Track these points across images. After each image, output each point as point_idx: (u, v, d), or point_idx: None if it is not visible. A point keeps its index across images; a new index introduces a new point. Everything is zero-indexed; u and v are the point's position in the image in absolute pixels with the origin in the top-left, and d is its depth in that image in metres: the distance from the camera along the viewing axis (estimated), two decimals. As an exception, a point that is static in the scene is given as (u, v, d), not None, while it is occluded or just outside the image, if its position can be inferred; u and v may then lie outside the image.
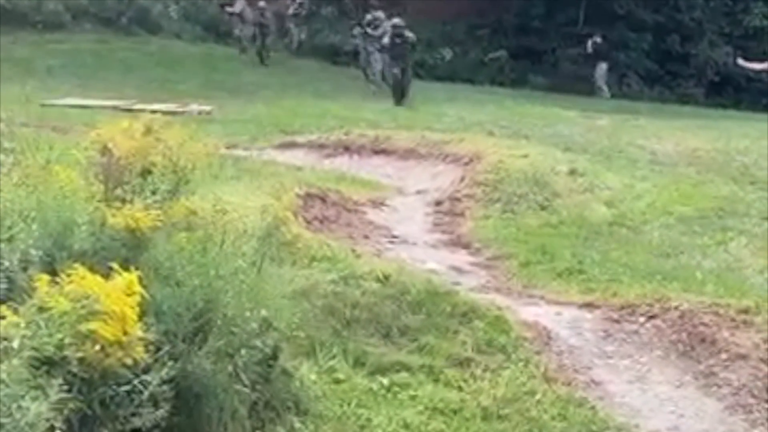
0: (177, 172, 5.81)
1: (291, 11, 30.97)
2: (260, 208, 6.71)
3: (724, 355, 6.94)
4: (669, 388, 6.81)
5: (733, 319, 7.27)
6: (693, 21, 31.40)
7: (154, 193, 5.53)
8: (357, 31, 26.23)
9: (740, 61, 21.40)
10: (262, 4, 28.36)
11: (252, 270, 5.46)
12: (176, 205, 5.64)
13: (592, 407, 6.45)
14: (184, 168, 5.87)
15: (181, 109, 17.45)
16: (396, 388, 6.30)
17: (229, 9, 29.35)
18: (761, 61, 20.50)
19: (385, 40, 22.30)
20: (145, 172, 5.75)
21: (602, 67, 28.75)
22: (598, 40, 28.21)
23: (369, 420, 5.89)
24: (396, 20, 22.01)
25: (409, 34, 21.53)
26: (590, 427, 6.23)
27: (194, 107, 18.51)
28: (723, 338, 7.09)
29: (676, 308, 7.54)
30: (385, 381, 6.33)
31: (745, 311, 7.40)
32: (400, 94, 21.20)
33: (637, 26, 30.84)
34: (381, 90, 23.50)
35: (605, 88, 28.53)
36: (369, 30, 24.57)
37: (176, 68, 25.18)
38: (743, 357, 6.89)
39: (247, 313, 5.17)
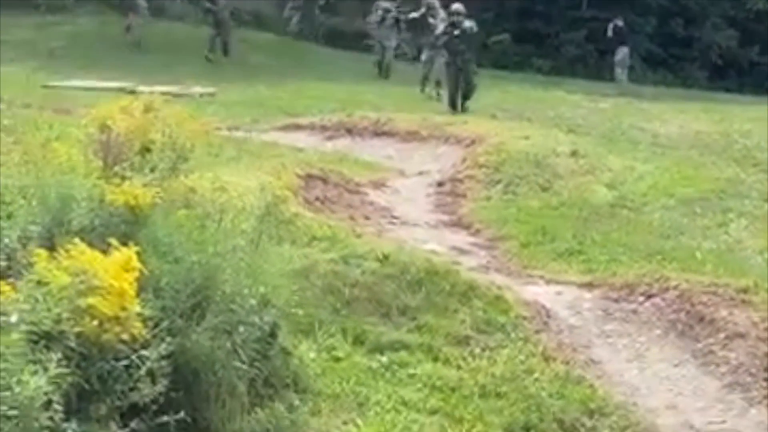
0: (176, 150, 5.83)
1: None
2: (259, 187, 6.72)
3: (722, 334, 6.96)
4: (667, 366, 6.84)
5: (731, 299, 7.30)
6: (697, 4, 31.29)
7: (153, 170, 5.55)
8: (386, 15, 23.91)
9: None
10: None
11: (250, 248, 5.48)
12: (175, 182, 5.66)
13: (591, 385, 6.47)
14: (183, 146, 5.89)
15: (183, 91, 17.43)
16: (395, 367, 6.32)
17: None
18: None
19: (439, 29, 18.57)
20: (144, 150, 5.77)
21: (623, 50, 28.26)
22: (620, 23, 27.81)
23: (367, 398, 5.91)
24: (456, 5, 17.89)
25: (468, 23, 17.66)
26: (588, 405, 6.25)
27: (197, 89, 18.49)
28: (721, 317, 7.11)
29: (675, 288, 7.56)
30: (384, 359, 6.35)
31: (744, 291, 7.42)
32: (458, 99, 17.20)
33: (641, 10, 30.73)
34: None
35: (624, 73, 27.92)
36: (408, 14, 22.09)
37: (180, 51, 25.13)
38: (741, 336, 6.91)
39: (246, 290, 5.19)
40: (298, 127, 15.37)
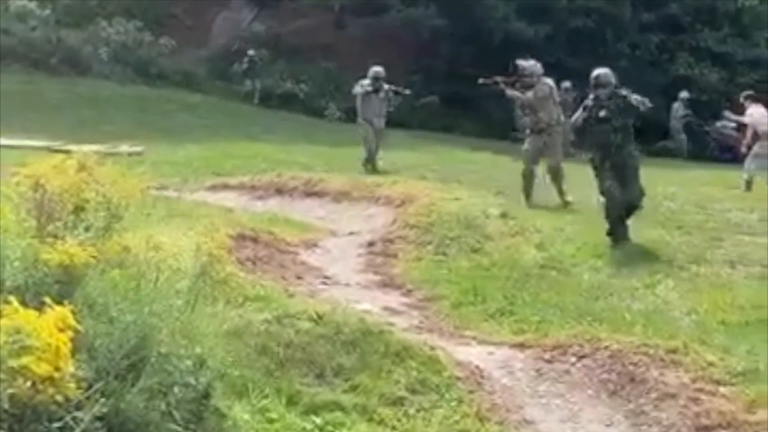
0: (110, 209, 5.78)
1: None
2: (194, 247, 6.67)
3: (653, 395, 7.04)
4: (600, 427, 6.89)
5: (662, 359, 7.39)
6: (619, 70, 31.92)
7: (87, 229, 5.49)
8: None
9: (726, 114, 21.79)
10: None
11: (186, 308, 5.44)
12: (109, 242, 5.60)
13: (525, 446, 6.49)
14: (117, 205, 5.85)
15: (111, 150, 17.27)
16: (329, 428, 6.28)
17: None
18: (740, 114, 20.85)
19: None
20: (79, 209, 5.71)
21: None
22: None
23: (302, 459, 5.87)
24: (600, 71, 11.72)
25: (634, 99, 11.63)
26: (523, 465, 6.27)
27: (125, 148, 18.36)
28: (652, 378, 7.19)
29: (606, 348, 7.64)
30: (319, 420, 6.31)
31: (674, 351, 7.52)
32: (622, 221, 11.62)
33: (565, 74, 31.33)
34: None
35: None
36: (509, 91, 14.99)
37: (106, 109, 24.99)
38: (672, 396, 6.99)
39: (181, 351, 5.14)
40: (227, 187, 15.34)
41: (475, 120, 30.57)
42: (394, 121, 30.65)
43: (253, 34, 34.13)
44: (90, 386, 4.53)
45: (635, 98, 11.70)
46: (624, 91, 11.81)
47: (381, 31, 33.58)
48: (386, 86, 18.02)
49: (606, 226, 11.53)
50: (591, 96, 11.85)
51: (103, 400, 4.54)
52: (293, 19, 34.61)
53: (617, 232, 11.53)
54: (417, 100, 33.47)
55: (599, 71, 11.97)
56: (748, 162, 19.97)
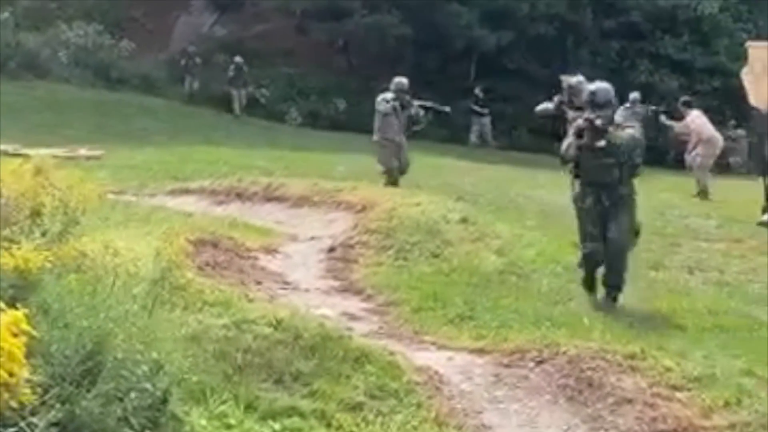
0: (67, 213, 5.75)
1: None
2: (152, 252, 6.64)
3: (610, 399, 7.07)
4: (557, 431, 6.90)
5: (619, 365, 7.42)
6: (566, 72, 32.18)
7: (43, 234, 5.46)
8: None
9: (663, 119, 21.92)
10: None
11: (143, 313, 5.41)
12: (66, 246, 5.57)
13: (483, 451, 6.50)
14: (74, 210, 5.82)
15: (69, 154, 17.19)
16: (288, 433, 6.26)
17: None
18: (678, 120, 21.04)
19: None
20: (35, 213, 5.68)
21: (486, 119, 30.46)
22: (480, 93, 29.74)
23: (260, 465, 5.84)
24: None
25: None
26: (481, 470, 6.28)
27: (83, 152, 18.26)
28: (610, 383, 7.22)
29: (564, 353, 7.66)
30: (277, 426, 6.28)
31: (631, 357, 7.56)
32: None
33: (528, 81, 31.51)
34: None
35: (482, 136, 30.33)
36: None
37: (65, 113, 24.82)
38: (629, 401, 7.02)
39: (138, 356, 5.11)
40: (187, 192, 15.27)
41: (438, 126, 30.67)
42: (356, 127, 30.79)
43: (214, 38, 34.05)
44: (45, 392, 4.50)
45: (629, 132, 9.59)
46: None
47: (344, 37, 33.63)
48: (416, 103, 15.74)
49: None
50: (584, 116, 9.65)
51: (58, 405, 4.51)
52: (254, 24, 34.56)
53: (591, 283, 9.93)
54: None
55: (597, 87, 9.78)
56: (696, 168, 20.21)
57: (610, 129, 9.50)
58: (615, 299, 9.72)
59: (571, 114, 11.73)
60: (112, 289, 5.30)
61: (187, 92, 30.87)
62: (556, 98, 13.07)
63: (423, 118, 16.13)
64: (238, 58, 30.46)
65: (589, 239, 9.68)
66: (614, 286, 9.75)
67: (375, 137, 15.90)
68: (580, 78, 12.66)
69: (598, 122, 9.37)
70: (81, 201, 5.83)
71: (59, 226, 5.58)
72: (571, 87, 12.61)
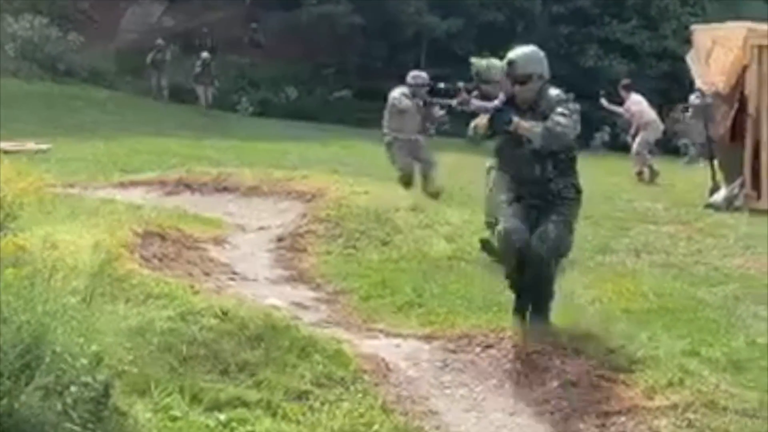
0: (4, 207, 5.70)
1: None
2: (92, 245, 6.59)
3: (555, 382, 7.12)
4: (503, 415, 6.95)
5: (564, 348, 7.48)
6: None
7: (-21, 228, 5.41)
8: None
9: (603, 102, 22.05)
10: None
11: (82, 306, 5.38)
12: (3, 241, 5.52)
13: (429, 436, 6.52)
14: (11, 204, 5.76)
15: (16, 148, 17.02)
16: (233, 424, 6.23)
17: None
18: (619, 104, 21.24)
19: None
20: (-29, 208, 5.62)
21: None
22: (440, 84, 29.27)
23: (206, 456, 5.82)
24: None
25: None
26: (427, 456, 6.30)
27: (31, 145, 18.09)
28: (555, 366, 7.28)
29: (510, 338, 7.71)
30: (222, 417, 6.27)
31: (576, 339, 7.62)
32: None
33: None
34: None
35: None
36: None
37: (13, 107, 24.54)
38: (574, 384, 7.08)
39: (77, 349, 5.07)
40: (135, 184, 15.15)
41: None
42: (307, 115, 30.74)
43: (163, 28, 33.82)
44: (-18, 387, 4.46)
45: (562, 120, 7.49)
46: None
47: (294, 26, 33.54)
48: (435, 100, 13.80)
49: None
50: (501, 96, 7.96)
51: (-5, 400, 4.47)
52: (204, 13, 34.37)
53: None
54: (330, 94, 33.51)
55: (515, 54, 7.80)
56: (642, 152, 20.40)
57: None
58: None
59: (473, 103, 10.33)
60: (50, 283, 5.26)
61: (155, 88, 30.39)
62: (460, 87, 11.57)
63: (445, 116, 14.46)
64: (205, 54, 29.97)
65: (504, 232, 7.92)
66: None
67: (387, 137, 14.87)
68: (493, 60, 11.13)
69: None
70: (18, 195, 5.77)
71: (-4, 221, 5.54)
72: (478, 73, 11.54)
